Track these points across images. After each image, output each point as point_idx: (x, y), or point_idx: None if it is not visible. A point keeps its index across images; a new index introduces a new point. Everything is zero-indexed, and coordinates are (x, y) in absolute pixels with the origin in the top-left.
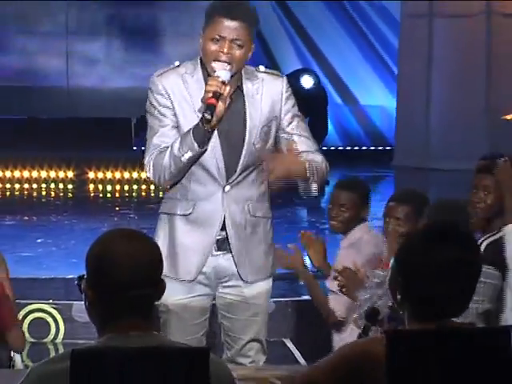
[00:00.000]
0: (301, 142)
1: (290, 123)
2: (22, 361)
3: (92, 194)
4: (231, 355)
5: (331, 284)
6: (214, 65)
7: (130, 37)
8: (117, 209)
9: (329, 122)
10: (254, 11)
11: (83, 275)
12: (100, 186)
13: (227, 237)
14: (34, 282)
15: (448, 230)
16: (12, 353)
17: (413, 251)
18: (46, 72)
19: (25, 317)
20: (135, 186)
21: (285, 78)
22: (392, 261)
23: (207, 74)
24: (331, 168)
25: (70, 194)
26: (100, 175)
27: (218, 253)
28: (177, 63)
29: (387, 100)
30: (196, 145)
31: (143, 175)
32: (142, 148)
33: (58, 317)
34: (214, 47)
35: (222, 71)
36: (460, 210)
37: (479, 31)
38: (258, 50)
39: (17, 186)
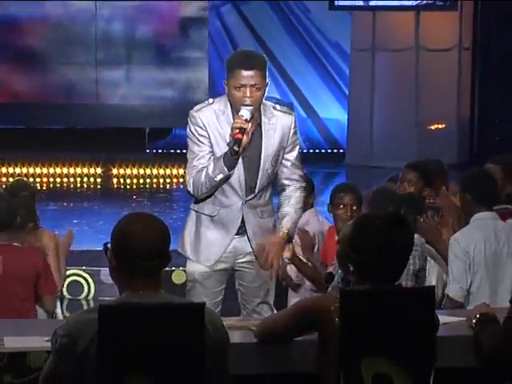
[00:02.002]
0: (293, 167)
1: (290, 152)
2: (62, 313)
3: (115, 186)
4: (246, 313)
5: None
6: (242, 108)
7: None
8: (134, 197)
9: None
10: (264, 58)
11: (108, 242)
12: (121, 180)
13: (246, 234)
14: (72, 253)
15: (394, 219)
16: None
17: (367, 234)
18: (80, 91)
19: (64, 280)
20: (148, 180)
21: (294, 114)
22: (339, 238)
23: (235, 113)
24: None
25: (98, 186)
26: (121, 171)
27: (236, 237)
28: (211, 100)
29: (341, 114)
30: (226, 169)
31: (154, 171)
32: (154, 151)
33: (90, 280)
34: (238, 94)
35: (245, 111)
36: (393, 196)
37: (410, 62)
38: None
39: (58, 180)
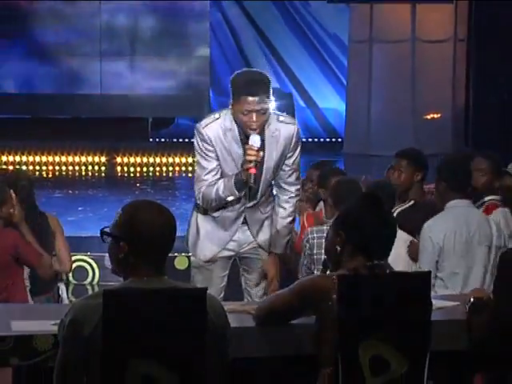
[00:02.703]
0: (290, 170)
1: (290, 158)
2: (68, 298)
3: (119, 174)
4: (250, 299)
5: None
6: (249, 132)
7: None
8: (137, 185)
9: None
10: (268, 79)
11: (105, 227)
12: (125, 168)
13: (247, 224)
14: (77, 239)
15: (377, 202)
16: (60, 289)
17: (355, 216)
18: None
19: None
20: (151, 168)
21: (296, 124)
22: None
23: (241, 130)
24: None
25: (102, 174)
26: (125, 160)
27: (240, 225)
28: (217, 115)
29: (339, 104)
30: (237, 192)
31: (157, 160)
32: (157, 140)
33: (95, 265)
34: (245, 119)
35: (256, 137)
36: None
37: (406, 53)
38: (242, 68)
39: (63, 168)
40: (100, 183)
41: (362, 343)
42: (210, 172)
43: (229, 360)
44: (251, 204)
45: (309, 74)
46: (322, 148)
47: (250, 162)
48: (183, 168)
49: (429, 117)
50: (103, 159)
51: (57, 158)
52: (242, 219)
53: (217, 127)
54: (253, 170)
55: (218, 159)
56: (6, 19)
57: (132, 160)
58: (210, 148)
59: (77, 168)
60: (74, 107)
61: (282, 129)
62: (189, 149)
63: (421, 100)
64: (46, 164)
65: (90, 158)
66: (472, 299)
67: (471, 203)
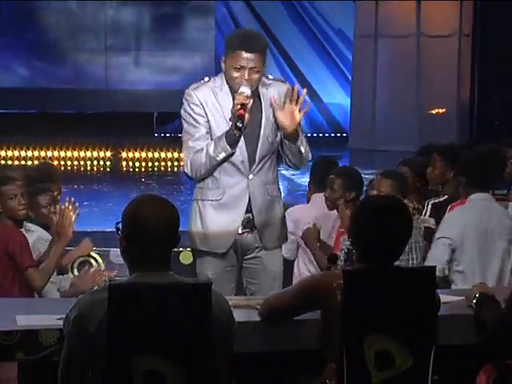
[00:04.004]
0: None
1: None
2: None
3: (124, 169)
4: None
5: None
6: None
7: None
8: (142, 180)
9: None
10: (265, 41)
11: (119, 222)
12: (130, 163)
13: (252, 217)
14: (82, 233)
15: (390, 204)
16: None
17: (365, 219)
18: (90, 77)
19: (75, 260)
20: (156, 163)
21: (286, 82)
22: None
23: (232, 89)
24: None
25: (108, 169)
26: (130, 155)
27: (244, 231)
28: (206, 79)
29: (344, 99)
30: (229, 147)
31: (162, 155)
32: (162, 135)
33: (100, 260)
34: (236, 74)
35: (245, 87)
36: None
37: (411, 48)
38: None
39: (69, 162)
40: (105, 178)
41: (367, 338)
42: (198, 139)
43: (231, 354)
44: (252, 171)
45: (314, 68)
46: (326, 143)
47: (238, 104)
48: None
49: (434, 111)
50: (108, 154)
51: (62, 153)
52: (247, 200)
53: (207, 89)
54: (241, 112)
55: (207, 126)
56: (12, 14)
57: (137, 155)
58: (199, 111)
59: (82, 163)
60: (80, 102)
61: (275, 85)
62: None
63: (426, 95)
64: (51, 159)
65: (95, 153)
66: (478, 294)
67: (491, 197)
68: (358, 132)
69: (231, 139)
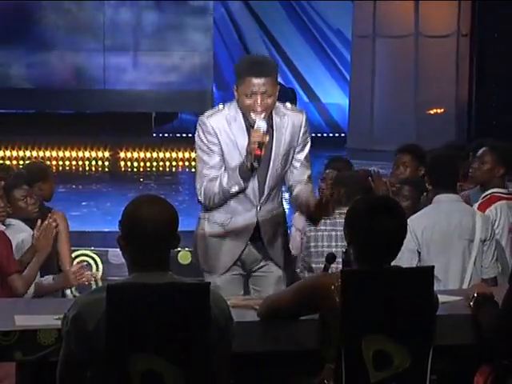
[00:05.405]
0: (302, 168)
1: (300, 151)
2: (71, 292)
3: (123, 169)
4: None
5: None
6: (253, 115)
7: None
8: (141, 180)
9: None
10: (274, 63)
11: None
12: (129, 163)
13: (262, 244)
14: (80, 233)
15: (383, 204)
16: None
17: (358, 220)
18: (89, 77)
19: (73, 260)
20: (155, 163)
21: (304, 113)
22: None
23: (246, 119)
24: None
25: (106, 169)
26: (129, 155)
27: (250, 242)
28: (221, 106)
29: (342, 99)
30: (242, 181)
31: (161, 155)
32: (160, 135)
33: (98, 260)
34: (249, 101)
35: (261, 122)
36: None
37: (410, 48)
38: None
39: (67, 162)
40: (103, 178)
41: (365, 338)
42: (212, 167)
43: (229, 355)
44: (262, 201)
45: (312, 69)
46: (325, 143)
47: (255, 143)
48: (186, 163)
49: (432, 112)
50: (107, 154)
51: (60, 153)
52: (253, 228)
53: (221, 118)
54: (258, 152)
55: (221, 154)
56: (11, 15)
57: (135, 155)
58: (213, 140)
59: (80, 163)
60: (78, 102)
61: (291, 115)
62: (192, 144)
63: (424, 95)
64: (49, 159)
65: (93, 153)
66: (476, 294)
67: (458, 197)
68: (356, 132)
69: (245, 174)
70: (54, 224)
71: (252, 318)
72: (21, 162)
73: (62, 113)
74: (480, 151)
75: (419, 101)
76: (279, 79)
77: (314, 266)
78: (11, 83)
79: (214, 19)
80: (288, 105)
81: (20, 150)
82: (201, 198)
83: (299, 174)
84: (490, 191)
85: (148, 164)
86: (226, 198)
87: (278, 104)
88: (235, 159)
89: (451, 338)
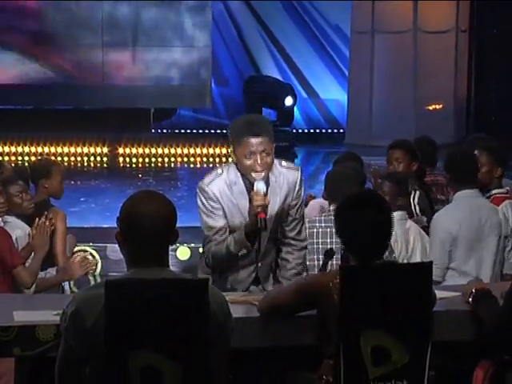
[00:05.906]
0: (294, 223)
1: (294, 207)
2: (70, 288)
3: (121, 165)
4: None
5: None
6: (254, 175)
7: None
8: (139, 176)
9: (297, 112)
10: (268, 122)
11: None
12: (127, 159)
13: (263, 289)
14: (79, 229)
15: (367, 198)
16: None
17: (344, 215)
18: (87, 73)
19: (72, 255)
20: (153, 159)
21: (300, 170)
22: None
23: (246, 180)
24: (299, 146)
25: (105, 165)
26: (127, 150)
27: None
28: (220, 171)
29: (341, 95)
30: (249, 243)
31: (159, 151)
32: (159, 131)
33: (97, 256)
34: (249, 162)
35: (260, 184)
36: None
37: (408, 44)
38: (246, 61)
39: (65, 158)
40: (102, 174)
41: (364, 334)
42: (218, 232)
43: (228, 350)
44: (260, 257)
45: (311, 64)
46: (323, 139)
47: (258, 207)
48: (185, 159)
49: (430, 107)
50: (105, 150)
51: (59, 149)
52: (253, 279)
53: (221, 183)
54: (262, 215)
55: (224, 216)
56: (9, 10)
57: (134, 151)
58: (216, 206)
59: (79, 159)
60: (77, 98)
61: (286, 174)
62: (191, 139)
63: (422, 91)
64: (47, 155)
65: (92, 149)
66: (474, 290)
67: (479, 193)
68: (355, 128)
69: (251, 237)
70: (47, 223)
71: (251, 313)
72: (19, 158)
73: (61, 108)
74: (476, 153)
75: (418, 96)
76: (278, 75)
77: (308, 263)
78: (8, 79)
79: (213, 15)
80: (284, 162)
81: (18, 145)
82: (208, 262)
83: (289, 229)
84: (491, 193)
85: (147, 160)
86: (233, 260)
87: (274, 162)
88: (238, 221)
89: (450, 334)
